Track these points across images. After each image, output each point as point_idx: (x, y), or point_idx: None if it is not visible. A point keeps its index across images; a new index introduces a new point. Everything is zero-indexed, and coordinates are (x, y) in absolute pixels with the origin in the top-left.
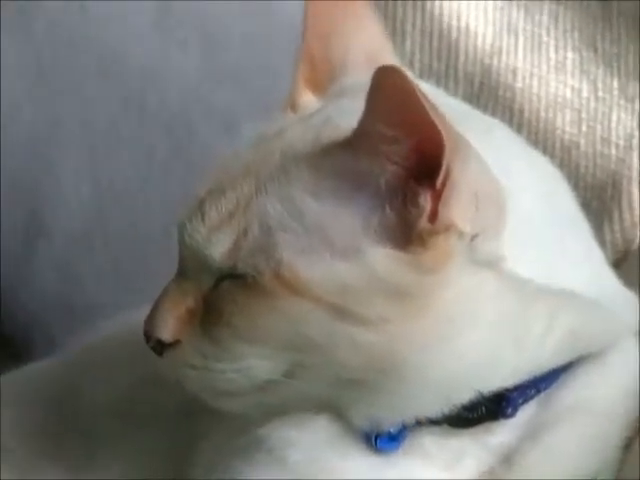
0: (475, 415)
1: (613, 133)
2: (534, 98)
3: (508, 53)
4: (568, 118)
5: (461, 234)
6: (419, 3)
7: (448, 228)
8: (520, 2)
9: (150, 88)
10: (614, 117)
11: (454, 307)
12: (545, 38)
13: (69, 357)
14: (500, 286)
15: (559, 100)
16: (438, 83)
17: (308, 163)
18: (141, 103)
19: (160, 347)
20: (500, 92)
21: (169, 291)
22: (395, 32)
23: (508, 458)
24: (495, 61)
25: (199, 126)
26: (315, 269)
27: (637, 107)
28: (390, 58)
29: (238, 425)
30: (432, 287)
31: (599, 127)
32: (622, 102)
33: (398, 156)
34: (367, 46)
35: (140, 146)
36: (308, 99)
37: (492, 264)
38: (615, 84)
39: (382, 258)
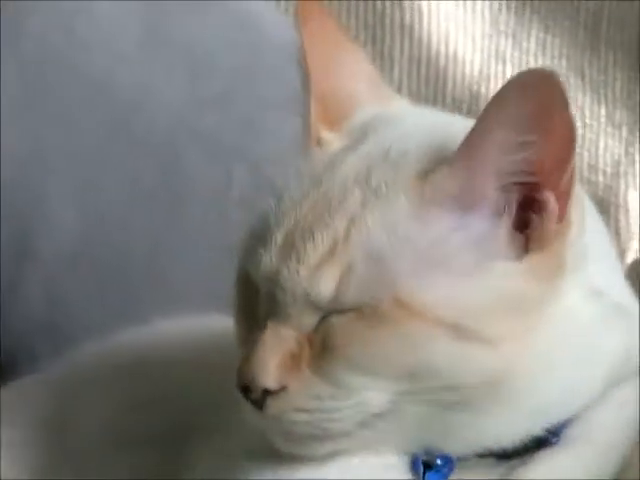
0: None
1: (600, 160)
2: None
3: (496, 80)
4: None
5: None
6: (407, 30)
7: (569, 228)
8: (508, 30)
9: (136, 113)
10: (601, 144)
11: (561, 323)
12: (532, 64)
13: (56, 377)
14: (587, 298)
15: None
16: None
17: (405, 189)
18: (127, 128)
19: (262, 397)
20: None
21: (265, 339)
22: (383, 58)
23: None
24: (483, 88)
25: (185, 152)
26: (433, 291)
27: (624, 134)
28: (384, 83)
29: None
30: (546, 299)
31: (586, 154)
32: (609, 129)
33: (524, 162)
34: (364, 75)
35: (126, 171)
36: (327, 135)
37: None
38: (602, 111)
39: (499, 272)
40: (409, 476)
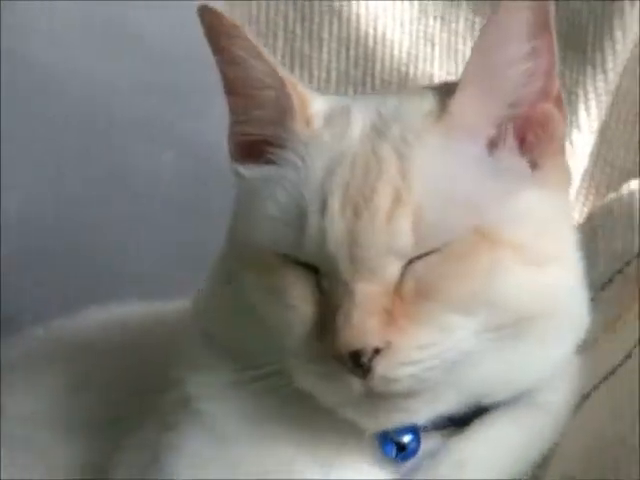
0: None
1: None
2: None
3: (424, 61)
4: None
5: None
6: (336, 12)
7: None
8: (437, 12)
9: (87, 102)
10: None
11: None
12: (461, 46)
13: None
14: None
15: None
16: (355, 90)
17: (427, 131)
18: (81, 118)
19: (368, 361)
20: None
21: (358, 301)
22: (312, 39)
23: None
24: (412, 69)
25: (125, 137)
26: (497, 216)
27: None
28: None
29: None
30: (564, 209)
31: None
32: None
33: (530, 72)
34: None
35: (78, 160)
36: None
37: None
38: None
39: (526, 193)
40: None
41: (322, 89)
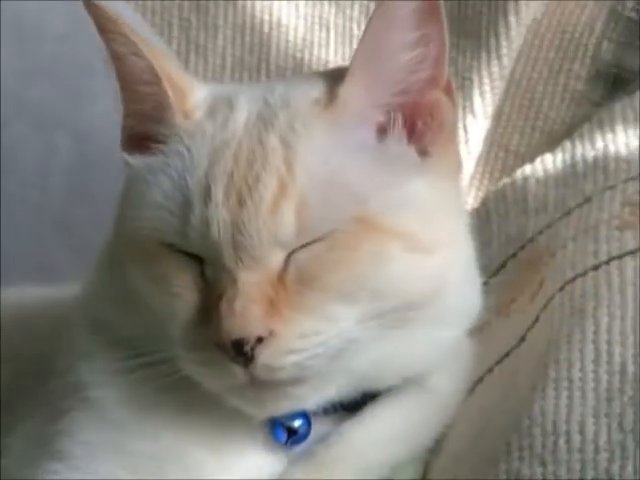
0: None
1: None
2: None
3: (320, 47)
4: None
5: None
6: None
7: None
8: None
9: None
10: None
11: (465, 237)
12: (356, 32)
13: None
14: None
15: None
16: (250, 77)
17: (316, 118)
18: None
19: (251, 349)
20: None
21: (242, 289)
22: (207, 27)
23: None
24: (307, 55)
25: (9, 122)
26: (381, 204)
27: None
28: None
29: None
30: (454, 195)
31: None
32: None
33: (418, 59)
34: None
35: None
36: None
37: None
38: None
39: (414, 181)
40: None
41: (217, 76)
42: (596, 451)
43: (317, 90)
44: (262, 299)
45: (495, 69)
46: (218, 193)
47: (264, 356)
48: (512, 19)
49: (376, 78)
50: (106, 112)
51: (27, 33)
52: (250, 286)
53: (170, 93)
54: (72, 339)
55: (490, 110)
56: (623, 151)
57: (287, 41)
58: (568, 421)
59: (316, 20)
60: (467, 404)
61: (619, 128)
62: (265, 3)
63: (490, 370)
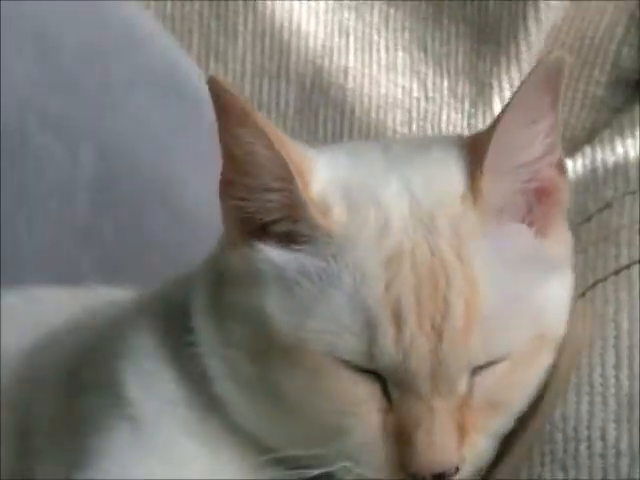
0: None
1: (444, 133)
2: (365, 99)
3: (339, 53)
4: (399, 118)
5: None
6: (250, 3)
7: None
8: (351, 3)
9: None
10: (444, 117)
11: None
12: (376, 38)
13: None
14: None
15: (390, 100)
16: (270, 84)
17: (475, 221)
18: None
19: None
20: (332, 92)
21: (435, 420)
22: (227, 33)
23: None
24: (326, 61)
25: (32, 133)
26: (550, 311)
27: (467, 107)
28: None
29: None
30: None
31: (429, 127)
32: (452, 102)
33: (553, 144)
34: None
35: None
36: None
37: None
38: (445, 84)
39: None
40: None
41: (237, 82)
42: (617, 456)
43: (457, 180)
44: (456, 427)
45: (515, 75)
46: (411, 317)
47: None
48: (532, 24)
49: (510, 166)
50: (128, 124)
51: (48, 44)
52: (446, 415)
53: (305, 193)
54: (130, 346)
55: None
56: None
57: (307, 47)
58: (589, 427)
59: (335, 26)
60: None
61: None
62: (285, 9)
63: None
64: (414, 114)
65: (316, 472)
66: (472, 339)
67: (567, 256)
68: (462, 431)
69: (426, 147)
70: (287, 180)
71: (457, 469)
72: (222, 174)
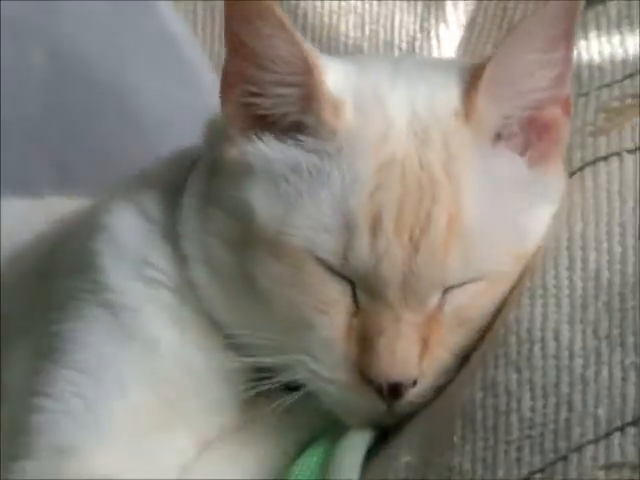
0: None
1: (396, 36)
2: (317, 4)
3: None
4: (352, 22)
5: None
6: None
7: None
8: None
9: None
10: (397, 20)
11: None
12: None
13: None
14: None
15: (342, 5)
16: None
17: (471, 141)
18: None
19: (405, 390)
20: None
21: (400, 330)
22: None
23: None
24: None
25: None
26: (529, 233)
27: (419, 10)
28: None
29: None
30: None
31: (382, 30)
32: (404, 5)
33: (551, 80)
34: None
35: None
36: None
37: None
38: None
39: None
40: None
41: None
42: (571, 357)
43: (454, 97)
44: (419, 340)
45: None
46: (389, 226)
47: (411, 395)
48: None
49: (509, 91)
50: (82, 29)
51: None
52: (412, 327)
53: (320, 85)
54: (109, 227)
55: (463, 19)
56: (596, 58)
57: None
58: (543, 328)
59: None
60: None
61: (592, 35)
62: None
63: None
64: (367, 18)
65: (277, 380)
66: (450, 257)
67: (558, 192)
68: (426, 345)
69: (433, 65)
70: (304, 74)
71: (415, 382)
72: (227, 70)
